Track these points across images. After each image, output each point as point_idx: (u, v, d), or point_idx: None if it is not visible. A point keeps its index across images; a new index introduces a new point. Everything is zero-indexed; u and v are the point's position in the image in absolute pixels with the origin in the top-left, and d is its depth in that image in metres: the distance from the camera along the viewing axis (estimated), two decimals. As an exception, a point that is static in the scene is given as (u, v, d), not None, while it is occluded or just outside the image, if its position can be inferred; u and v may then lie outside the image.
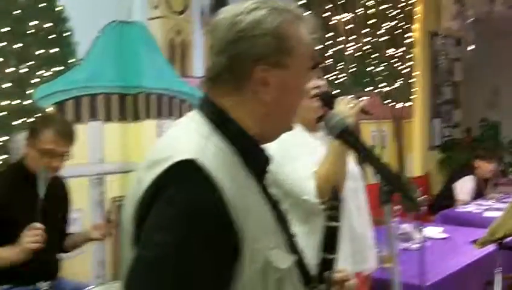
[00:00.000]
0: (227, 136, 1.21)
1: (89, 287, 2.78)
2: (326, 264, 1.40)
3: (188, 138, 1.20)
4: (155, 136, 3.98)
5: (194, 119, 1.25)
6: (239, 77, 1.21)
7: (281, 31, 1.21)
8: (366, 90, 6.07)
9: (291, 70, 1.23)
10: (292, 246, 1.30)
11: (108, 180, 3.77)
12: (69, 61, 3.55)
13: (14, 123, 3.27)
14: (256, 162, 1.26)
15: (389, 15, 6.48)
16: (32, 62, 3.35)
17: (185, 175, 1.11)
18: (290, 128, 1.33)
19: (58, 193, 3.05)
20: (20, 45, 3.29)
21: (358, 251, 2.56)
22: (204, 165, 1.12)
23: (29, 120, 3.26)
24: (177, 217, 1.09)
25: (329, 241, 1.40)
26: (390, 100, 6.57)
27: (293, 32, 1.23)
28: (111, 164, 3.78)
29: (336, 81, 5.68)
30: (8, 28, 3.23)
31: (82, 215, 3.53)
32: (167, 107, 4.05)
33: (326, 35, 5.53)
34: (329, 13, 5.60)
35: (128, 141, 3.84)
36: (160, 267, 1.07)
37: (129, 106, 3.87)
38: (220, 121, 1.22)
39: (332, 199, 1.43)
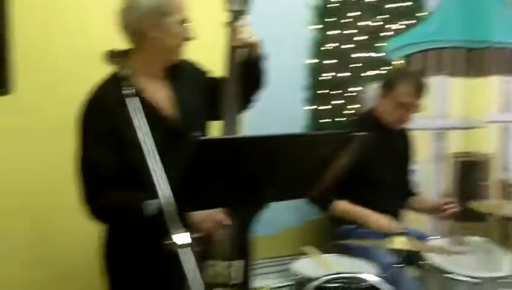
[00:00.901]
0: None
1: (433, 237, 2.83)
2: None
3: None
4: (500, 92, 3.81)
5: None
6: None
7: None
8: None
9: None
10: None
11: (450, 135, 3.74)
12: (419, 15, 3.58)
13: (365, 74, 3.43)
14: None
15: None
16: (385, 16, 3.47)
17: None
18: None
19: (403, 144, 3.13)
20: (377, -1, 3.43)
21: None
22: None
23: (379, 72, 3.39)
24: None
25: None
26: None
27: None
28: (454, 119, 3.75)
29: None
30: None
31: (422, 167, 3.57)
32: (515, 63, 3.82)
33: None
34: None
35: (472, 96, 3.75)
36: None
37: (475, 60, 3.74)
38: None
39: None
